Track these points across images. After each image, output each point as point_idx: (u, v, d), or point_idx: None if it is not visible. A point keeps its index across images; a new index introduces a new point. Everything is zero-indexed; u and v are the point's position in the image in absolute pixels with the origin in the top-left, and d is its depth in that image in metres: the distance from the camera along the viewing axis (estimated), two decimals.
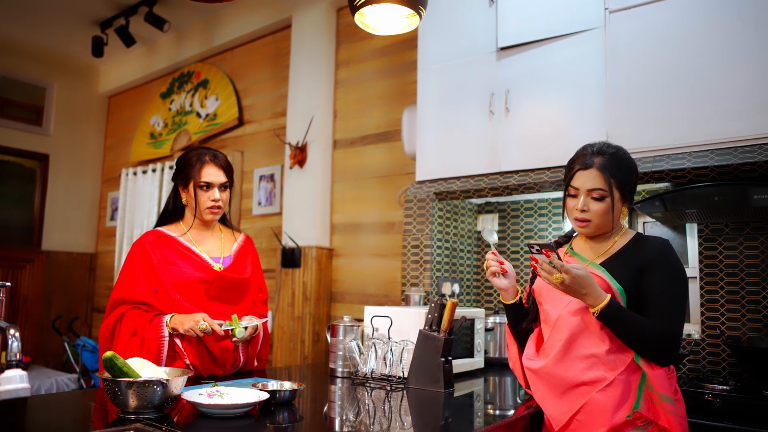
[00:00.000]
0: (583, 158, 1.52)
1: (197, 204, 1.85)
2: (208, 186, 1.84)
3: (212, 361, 1.81)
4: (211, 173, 1.84)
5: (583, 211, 1.49)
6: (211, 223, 1.94)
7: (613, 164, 1.49)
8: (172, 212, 1.94)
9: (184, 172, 1.86)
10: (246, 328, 1.78)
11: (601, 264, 1.50)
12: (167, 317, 1.74)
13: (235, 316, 1.77)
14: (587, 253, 1.57)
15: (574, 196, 1.52)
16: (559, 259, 1.38)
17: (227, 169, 1.89)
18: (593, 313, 1.39)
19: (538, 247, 1.38)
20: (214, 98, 4.51)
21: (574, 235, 1.65)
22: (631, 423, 1.37)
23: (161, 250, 1.83)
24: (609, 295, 1.38)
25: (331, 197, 3.67)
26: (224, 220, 2.02)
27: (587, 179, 1.49)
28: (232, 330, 1.75)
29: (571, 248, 1.61)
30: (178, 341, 1.75)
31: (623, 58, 2.14)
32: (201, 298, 1.82)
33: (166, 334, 1.73)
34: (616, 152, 1.52)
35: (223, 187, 1.87)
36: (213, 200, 1.84)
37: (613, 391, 1.39)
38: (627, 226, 1.59)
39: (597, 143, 1.54)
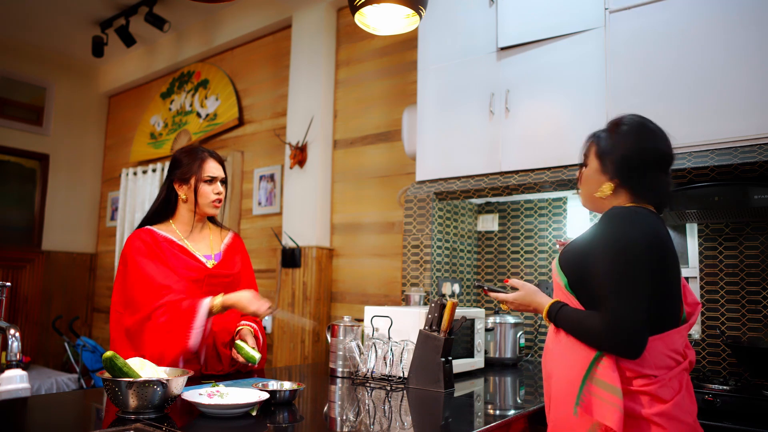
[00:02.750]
0: None
1: (199, 199, 1.88)
2: (212, 180, 1.88)
3: (218, 360, 1.83)
4: (213, 167, 1.90)
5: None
6: (205, 219, 1.96)
7: (604, 134, 1.39)
8: (163, 210, 1.93)
9: (185, 168, 1.88)
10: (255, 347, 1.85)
11: (563, 251, 1.43)
12: (216, 300, 1.73)
13: (240, 344, 1.80)
14: None
15: None
16: (494, 290, 1.56)
17: (223, 164, 1.96)
18: (544, 320, 1.41)
19: (479, 289, 1.62)
20: (214, 98, 4.51)
21: None
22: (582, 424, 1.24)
23: (158, 250, 1.83)
24: (551, 301, 1.39)
25: (331, 197, 3.67)
26: (213, 219, 2.04)
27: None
28: (249, 359, 1.78)
29: None
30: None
31: (623, 58, 2.14)
32: (195, 294, 1.83)
33: (201, 324, 1.71)
34: (619, 122, 1.38)
35: (222, 181, 1.93)
36: (217, 193, 1.89)
37: (561, 384, 1.31)
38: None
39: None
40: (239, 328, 1.91)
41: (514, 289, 1.51)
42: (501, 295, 1.51)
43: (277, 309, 1.80)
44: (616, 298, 1.20)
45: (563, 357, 1.32)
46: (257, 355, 1.78)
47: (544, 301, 1.41)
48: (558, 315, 1.34)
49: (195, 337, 1.69)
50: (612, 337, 1.20)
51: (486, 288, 1.60)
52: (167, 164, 4.66)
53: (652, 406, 1.23)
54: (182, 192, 1.90)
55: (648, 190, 1.35)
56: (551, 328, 1.41)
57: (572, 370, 1.28)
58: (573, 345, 1.31)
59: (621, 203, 1.36)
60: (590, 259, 1.28)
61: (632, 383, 1.24)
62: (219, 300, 1.73)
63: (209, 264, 1.89)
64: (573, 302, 1.34)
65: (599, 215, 1.53)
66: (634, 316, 1.19)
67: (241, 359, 1.80)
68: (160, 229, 1.89)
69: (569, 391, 1.28)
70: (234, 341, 1.84)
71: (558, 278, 1.38)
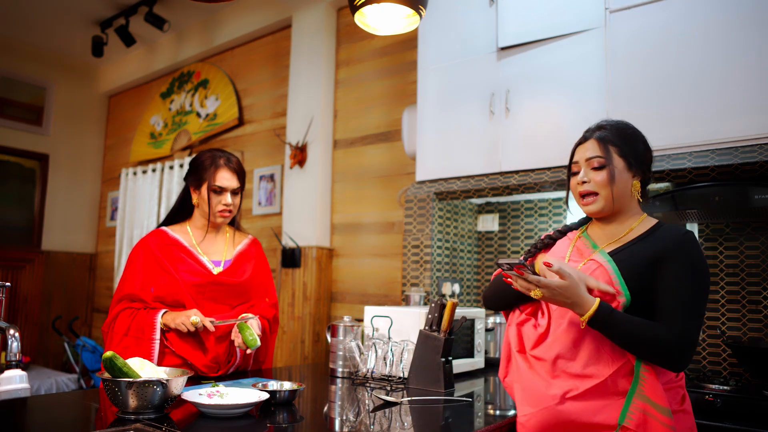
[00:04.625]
0: (583, 135, 1.45)
1: (209, 207, 1.86)
2: (221, 190, 1.85)
3: (203, 353, 1.81)
4: (225, 178, 1.85)
5: (584, 183, 1.37)
6: (219, 226, 1.94)
7: (613, 134, 1.39)
8: (179, 211, 1.96)
9: (198, 174, 1.87)
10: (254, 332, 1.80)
11: (611, 252, 1.35)
12: (159, 316, 1.76)
13: (245, 325, 1.76)
14: (600, 239, 1.42)
15: (576, 173, 1.42)
16: (533, 273, 1.28)
17: (240, 173, 1.90)
18: (581, 322, 1.25)
19: (508, 266, 1.28)
20: (214, 98, 4.51)
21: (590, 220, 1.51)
22: None
23: (164, 252, 1.84)
24: (597, 301, 1.25)
25: (331, 197, 3.67)
26: (233, 222, 2.02)
27: (585, 150, 1.41)
28: (246, 341, 1.74)
29: (585, 232, 1.47)
30: (166, 336, 1.78)
31: (623, 58, 2.14)
32: (196, 299, 1.83)
33: (157, 336, 1.74)
34: (617, 123, 1.43)
35: (234, 192, 1.88)
36: (225, 204, 1.86)
37: (598, 393, 1.26)
38: (646, 213, 1.44)
39: (601, 120, 1.47)
40: (248, 316, 1.86)
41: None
42: (544, 280, 1.24)
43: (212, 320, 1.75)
44: (689, 317, 1.25)
45: (599, 351, 1.28)
46: (257, 340, 1.74)
47: (590, 300, 1.24)
48: (610, 318, 1.23)
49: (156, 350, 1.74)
50: (676, 351, 1.23)
51: (520, 265, 1.25)
52: (167, 164, 4.71)
53: (686, 400, 1.32)
54: (195, 197, 1.89)
55: (648, 185, 1.44)
56: (564, 320, 1.32)
57: (610, 368, 1.25)
58: (608, 343, 1.28)
59: (635, 212, 1.42)
60: (663, 275, 1.29)
61: (670, 383, 1.30)
62: (160, 317, 1.77)
63: (215, 270, 1.87)
64: None
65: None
66: (697, 336, 1.27)
67: (239, 340, 1.76)
68: (174, 231, 1.90)
69: (606, 391, 1.25)
70: (238, 324, 1.81)
71: (614, 277, 1.30)
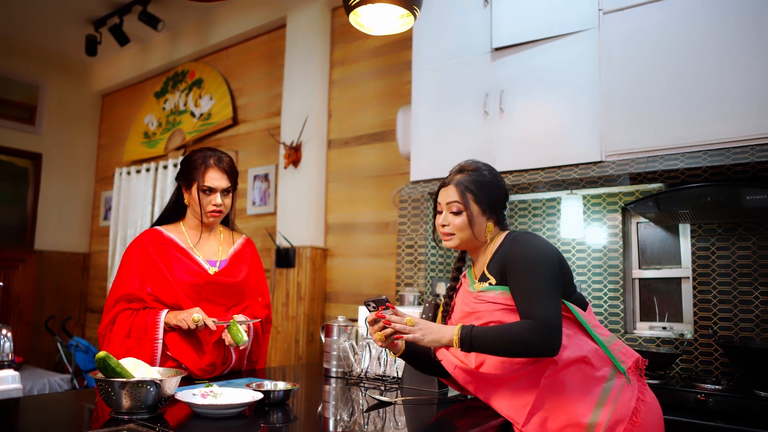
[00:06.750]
0: (446, 177, 1.57)
1: (199, 207, 1.85)
2: (210, 191, 1.83)
3: (199, 357, 1.80)
4: (214, 178, 1.83)
5: (443, 225, 1.53)
6: (212, 226, 1.94)
7: (471, 180, 1.52)
8: (173, 211, 1.94)
9: (188, 174, 1.85)
10: (244, 330, 1.79)
11: (480, 279, 1.50)
12: (162, 315, 1.75)
13: (234, 323, 1.76)
14: (477, 270, 1.56)
15: (440, 212, 1.56)
16: (399, 318, 1.41)
17: (231, 173, 1.88)
18: (458, 347, 1.38)
19: (374, 305, 1.41)
20: (209, 98, 4.50)
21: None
22: None
23: (158, 252, 1.82)
24: (459, 325, 1.39)
25: (325, 197, 3.67)
26: (227, 221, 2.01)
27: (446, 194, 1.54)
28: (234, 338, 1.75)
29: (469, 266, 1.61)
30: (163, 340, 1.77)
31: (617, 59, 2.15)
32: (192, 299, 1.82)
33: (161, 336, 1.73)
34: (477, 169, 1.54)
35: (225, 192, 1.87)
36: (214, 205, 1.84)
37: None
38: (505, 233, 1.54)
39: (463, 162, 1.58)
40: (240, 317, 1.86)
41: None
42: (414, 318, 1.42)
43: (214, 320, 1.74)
44: (541, 303, 1.33)
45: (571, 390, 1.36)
46: (244, 337, 1.75)
47: (451, 327, 1.40)
48: (474, 332, 1.35)
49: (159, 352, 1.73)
50: (541, 337, 1.29)
51: (384, 303, 1.43)
52: (161, 164, 4.70)
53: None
54: (186, 196, 1.88)
55: (505, 219, 1.58)
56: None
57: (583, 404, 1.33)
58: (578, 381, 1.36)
59: (494, 236, 1.53)
60: (509, 276, 1.40)
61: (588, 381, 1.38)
62: (163, 317, 1.76)
63: (211, 270, 1.86)
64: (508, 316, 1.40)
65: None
66: (555, 314, 1.32)
67: (228, 338, 1.76)
68: (168, 230, 1.88)
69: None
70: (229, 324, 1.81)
71: (502, 294, 1.41)
